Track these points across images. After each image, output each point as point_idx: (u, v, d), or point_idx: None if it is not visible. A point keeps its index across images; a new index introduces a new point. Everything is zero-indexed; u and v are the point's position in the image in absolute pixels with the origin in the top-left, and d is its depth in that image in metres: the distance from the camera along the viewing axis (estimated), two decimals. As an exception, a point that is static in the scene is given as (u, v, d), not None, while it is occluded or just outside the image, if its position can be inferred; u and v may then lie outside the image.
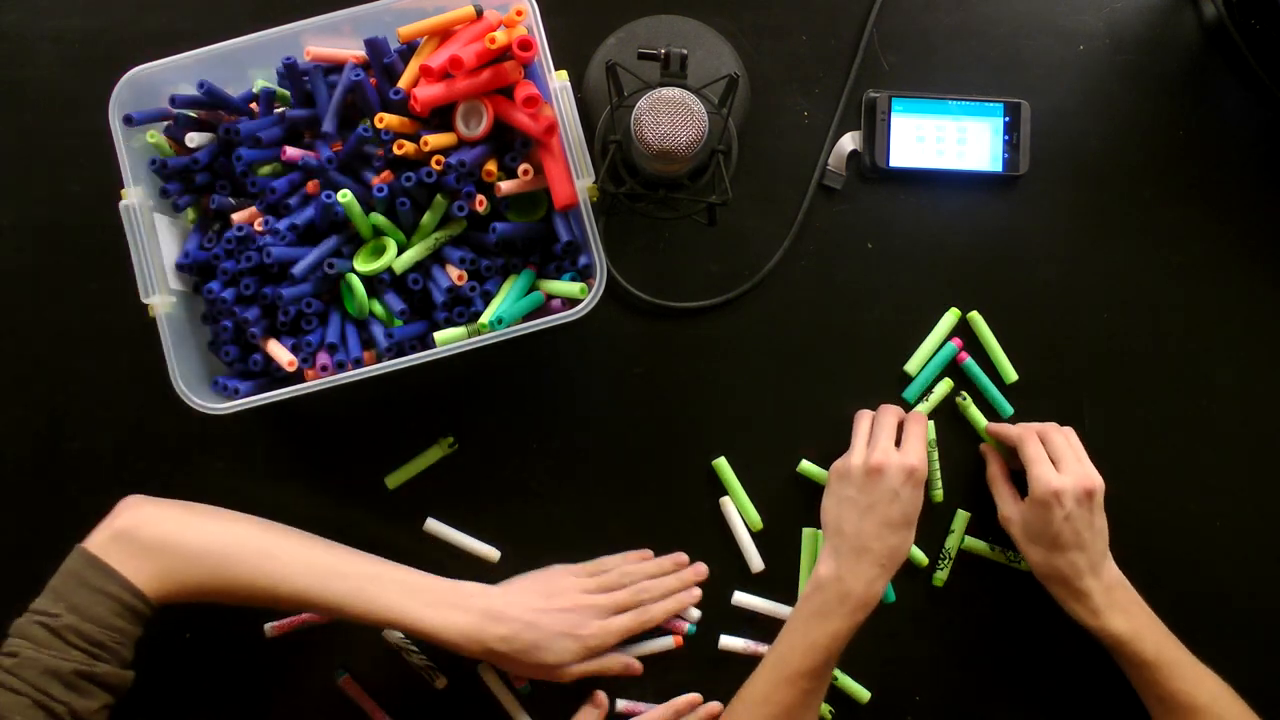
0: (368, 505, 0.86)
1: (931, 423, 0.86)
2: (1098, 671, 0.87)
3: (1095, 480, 0.79)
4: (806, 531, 0.87)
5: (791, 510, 0.87)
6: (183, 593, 0.69)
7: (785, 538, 0.87)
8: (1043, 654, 0.87)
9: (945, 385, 0.88)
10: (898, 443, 0.82)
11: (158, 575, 0.68)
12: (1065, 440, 0.81)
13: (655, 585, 0.83)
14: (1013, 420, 0.88)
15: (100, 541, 0.69)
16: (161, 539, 0.69)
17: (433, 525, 0.86)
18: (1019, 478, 0.83)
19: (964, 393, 0.88)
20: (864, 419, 0.84)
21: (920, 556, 0.86)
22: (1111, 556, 0.80)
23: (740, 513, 0.87)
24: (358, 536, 0.86)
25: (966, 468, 0.88)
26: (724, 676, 0.85)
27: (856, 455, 0.81)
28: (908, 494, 0.78)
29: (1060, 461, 0.79)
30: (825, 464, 0.87)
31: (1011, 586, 0.87)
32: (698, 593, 0.85)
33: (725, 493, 0.87)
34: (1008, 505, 0.82)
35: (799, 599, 0.81)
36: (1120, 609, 0.78)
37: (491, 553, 0.86)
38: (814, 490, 0.86)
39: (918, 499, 0.79)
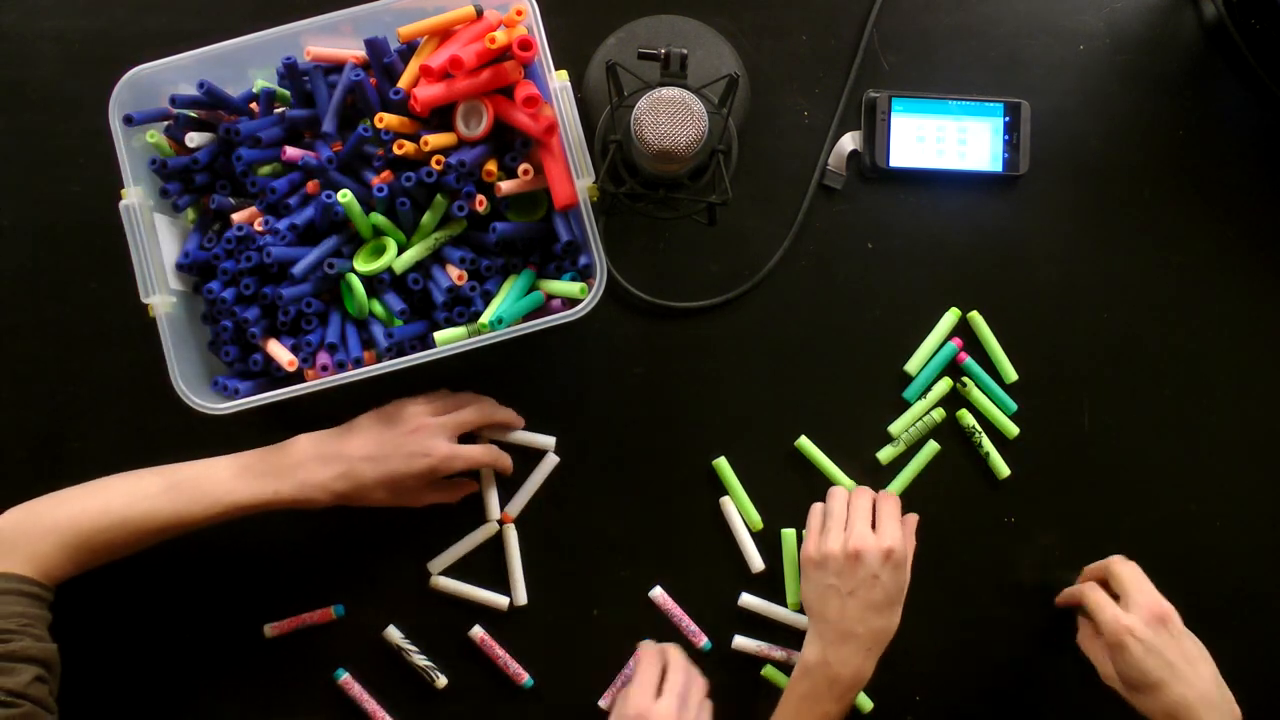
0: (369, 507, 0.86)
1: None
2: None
3: (1164, 606, 0.76)
4: (786, 533, 0.86)
5: (791, 510, 0.87)
6: (64, 564, 0.74)
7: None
8: (1042, 654, 0.87)
9: (945, 385, 0.88)
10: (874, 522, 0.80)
11: (31, 557, 0.73)
12: (1129, 572, 0.79)
13: (502, 411, 0.84)
14: (1015, 419, 0.88)
15: None
16: (22, 526, 0.74)
17: (437, 573, 0.86)
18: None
19: (965, 378, 0.88)
20: (837, 499, 0.81)
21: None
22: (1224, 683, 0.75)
23: (740, 512, 0.87)
24: (358, 536, 0.86)
25: (966, 472, 0.88)
26: (743, 677, 0.85)
27: (833, 541, 0.78)
28: (889, 575, 0.76)
29: (1125, 597, 0.77)
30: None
31: (1012, 585, 0.87)
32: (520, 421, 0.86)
33: (725, 493, 0.87)
34: (1105, 665, 0.78)
35: (789, 682, 0.79)
36: None
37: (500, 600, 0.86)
38: (813, 480, 0.86)
39: (899, 578, 0.77)
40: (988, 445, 0.87)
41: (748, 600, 0.86)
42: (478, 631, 0.85)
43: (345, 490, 0.76)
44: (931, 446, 0.87)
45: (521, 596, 0.86)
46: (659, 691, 0.77)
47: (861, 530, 0.78)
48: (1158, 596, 0.77)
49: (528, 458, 0.87)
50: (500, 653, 0.85)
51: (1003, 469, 0.87)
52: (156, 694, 0.84)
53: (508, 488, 0.87)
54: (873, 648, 0.77)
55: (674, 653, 0.81)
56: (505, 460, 0.84)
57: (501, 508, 0.86)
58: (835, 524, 0.79)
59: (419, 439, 0.78)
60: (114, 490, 0.76)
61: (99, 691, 0.84)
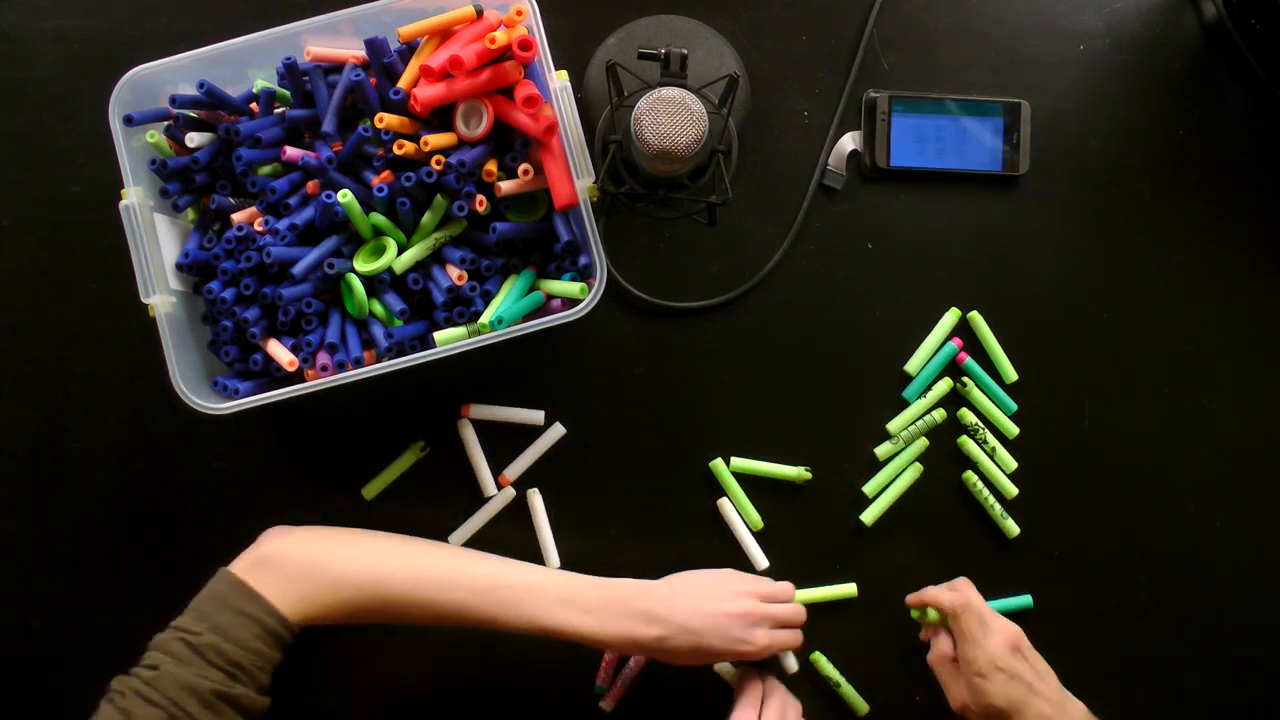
0: (368, 505, 0.87)
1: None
2: (1097, 670, 0.87)
3: (1016, 630, 0.77)
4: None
5: (792, 508, 0.87)
6: (329, 616, 0.70)
7: (785, 537, 0.87)
8: (1042, 653, 0.87)
9: (945, 385, 0.88)
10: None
11: (303, 599, 0.69)
12: (979, 602, 0.79)
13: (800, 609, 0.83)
14: (1015, 419, 0.88)
15: (245, 565, 0.70)
16: (308, 564, 0.70)
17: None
18: None
19: (965, 379, 0.88)
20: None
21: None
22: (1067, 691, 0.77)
23: (740, 513, 0.87)
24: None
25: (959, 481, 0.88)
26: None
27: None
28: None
29: (982, 626, 0.77)
30: (827, 463, 0.87)
31: (1011, 585, 0.87)
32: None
33: (724, 493, 0.87)
34: (958, 691, 0.78)
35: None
36: None
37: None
38: (814, 479, 0.87)
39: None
40: (993, 441, 0.87)
41: None
42: None
43: (654, 652, 0.76)
44: (915, 468, 0.87)
45: (554, 560, 0.86)
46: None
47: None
48: (1007, 622, 0.78)
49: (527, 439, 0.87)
50: None
51: (1009, 463, 0.87)
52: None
53: (501, 460, 0.87)
54: None
55: (772, 681, 0.82)
56: (799, 642, 0.81)
57: (496, 477, 0.87)
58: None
59: (744, 626, 0.76)
60: (426, 566, 0.73)
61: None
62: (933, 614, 0.81)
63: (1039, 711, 0.74)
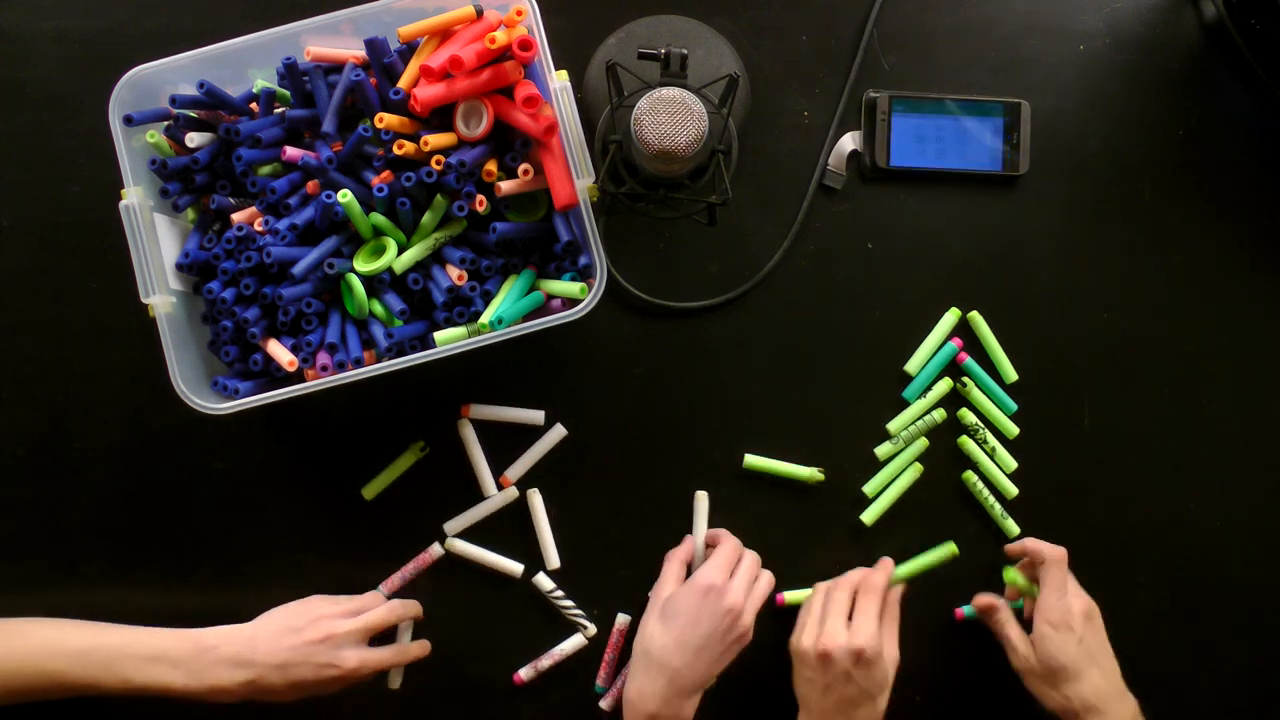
0: (368, 505, 0.87)
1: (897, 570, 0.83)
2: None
3: (1091, 601, 0.79)
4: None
5: (792, 508, 0.87)
6: None
7: (785, 536, 0.87)
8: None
9: (945, 385, 0.88)
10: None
11: None
12: (1063, 563, 0.79)
13: (411, 606, 0.84)
14: (1015, 419, 0.88)
15: None
16: None
17: (455, 543, 0.87)
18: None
19: (965, 379, 0.88)
20: (817, 595, 0.81)
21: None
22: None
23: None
24: (357, 534, 0.86)
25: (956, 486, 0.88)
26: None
27: (806, 636, 0.77)
28: (861, 674, 0.75)
29: (1060, 585, 0.78)
30: (827, 463, 0.87)
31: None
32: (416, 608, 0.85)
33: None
34: (1023, 648, 0.79)
35: None
36: None
37: (515, 567, 0.87)
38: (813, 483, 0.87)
39: (874, 676, 0.76)
40: (993, 441, 0.87)
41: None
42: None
43: (251, 695, 0.76)
44: (915, 468, 0.87)
45: (554, 560, 0.87)
46: (731, 574, 0.79)
47: (833, 628, 0.77)
48: (1087, 595, 0.79)
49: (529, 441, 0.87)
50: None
51: (1009, 463, 0.87)
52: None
53: (501, 461, 0.87)
54: None
55: (749, 551, 0.83)
56: (416, 652, 0.83)
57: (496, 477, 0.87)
58: (811, 619, 0.78)
59: (327, 650, 0.76)
60: (21, 639, 0.76)
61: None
62: (1020, 579, 0.81)
63: (1095, 684, 0.75)
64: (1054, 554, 0.80)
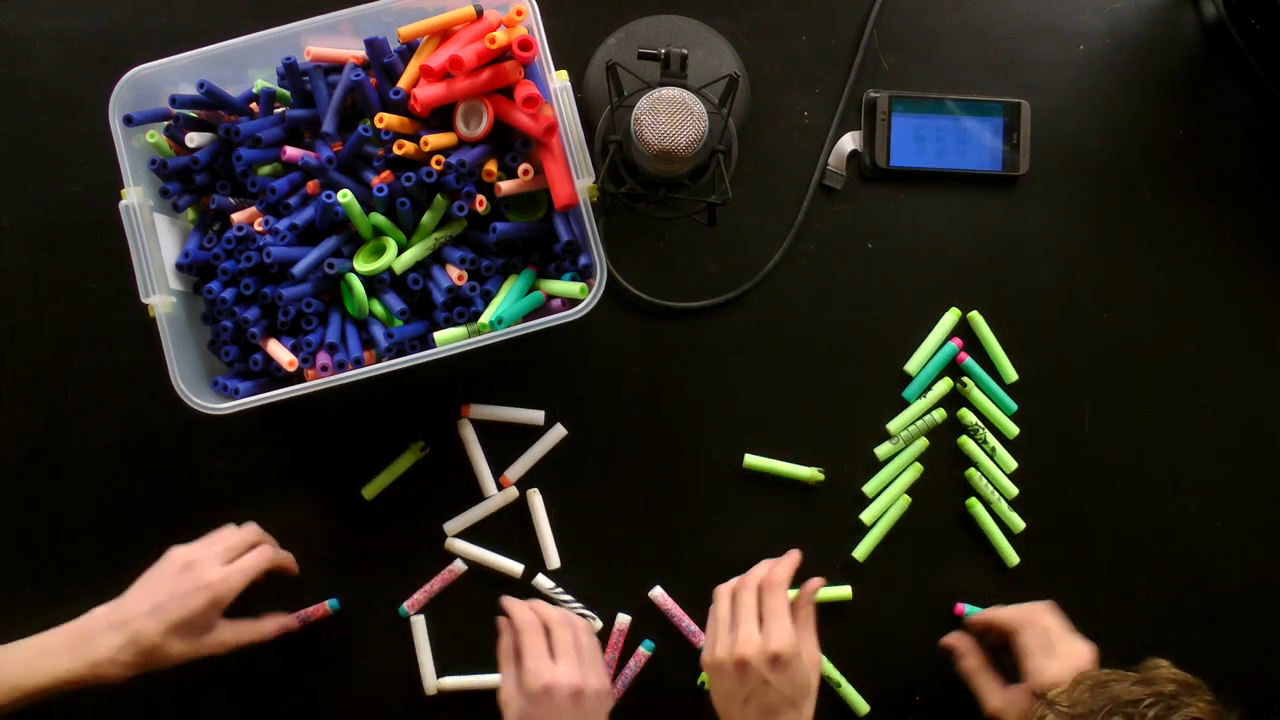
0: (368, 505, 0.87)
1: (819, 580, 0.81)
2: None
3: (1090, 652, 0.75)
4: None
5: (792, 508, 0.87)
6: None
7: (785, 536, 0.87)
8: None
9: (945, 385, 0.88)
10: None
11: None
12: (1057, 624, 0.77)
13: (261, 531, 0.82)
14: (1015, 419, 0.88)
15: None
16: None
17: (455, 543, 0.87)
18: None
19: (965, 379, 0.88)
20: (722, 600, 0.77)
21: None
22: None
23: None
24: (357, 534, 0.86)
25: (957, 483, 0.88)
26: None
27: (720, 648, 0.74)
28: (781, 679, 0.71)
29: (1053, 646, 0.75)
30: (827, 463, 0.87)
31: (1011, 584, 0.87)
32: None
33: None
34: (995, 697, 0.76)
35: None
36: None
37: (515, 567, 0.87)
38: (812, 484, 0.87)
39: (795, 679, 0.72)
40: (993, 441, 0.87)
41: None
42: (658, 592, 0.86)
43: (136, 657, 0.73)
44: (915, 468, 0.87)
45: (554, 560, 0.86)
46: (552, 656, 0.75)
47: (746, 634, 0.73)
48: (1080, 647, 0.76)
49: (530, 444, 0.87)
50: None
51: (1009, 462, 0.87)
52: (159, 694, 0.84)
53: (501, 461, 0.87)
54: None
55: (544, 608, 0.79)
56: (285, 559, 0.82)
57: (495, 478, 0.87)
58: (721, 628, 0.75)
59: (190, 576, 0.75)
60: None
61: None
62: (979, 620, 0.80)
63: None
64: (1024, 618, 0.76)
